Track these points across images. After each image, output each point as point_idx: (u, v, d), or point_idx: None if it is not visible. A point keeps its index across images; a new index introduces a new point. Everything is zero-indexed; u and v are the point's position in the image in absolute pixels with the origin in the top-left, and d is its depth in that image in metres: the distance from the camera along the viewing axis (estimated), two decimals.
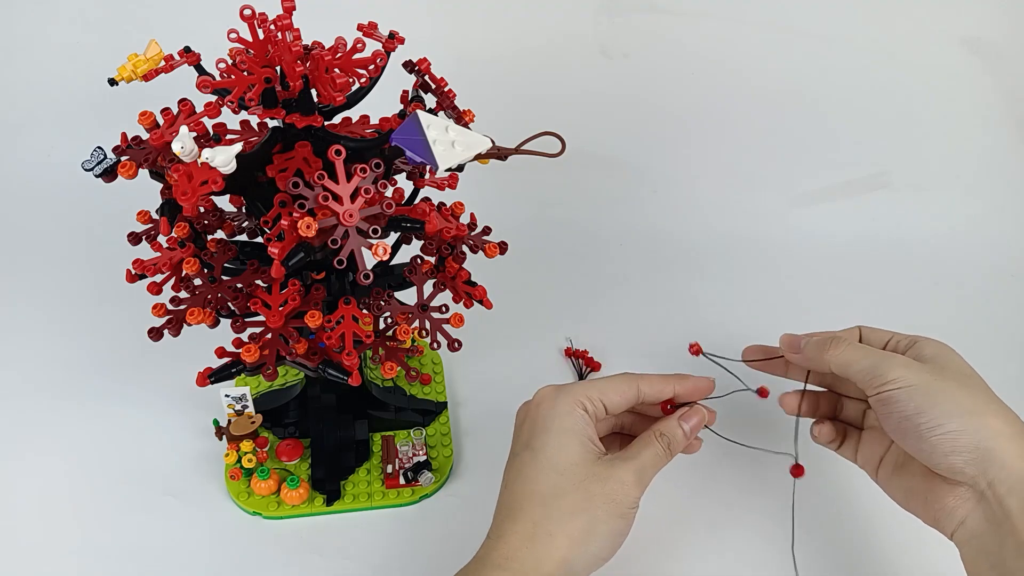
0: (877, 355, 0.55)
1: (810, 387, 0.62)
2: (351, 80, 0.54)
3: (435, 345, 0.63)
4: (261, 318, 0.55)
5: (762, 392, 0.63)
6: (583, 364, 0.79)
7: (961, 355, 0.56)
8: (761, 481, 0.68)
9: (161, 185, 0.58)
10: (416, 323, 0.62)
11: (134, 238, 0.60)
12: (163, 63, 0.53)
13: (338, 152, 0.47)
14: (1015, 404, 0.61)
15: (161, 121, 0.54)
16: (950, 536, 0.53)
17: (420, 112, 0.54)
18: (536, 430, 0.55)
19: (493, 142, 0.55)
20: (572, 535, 0.51)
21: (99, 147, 0.55)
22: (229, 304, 0.58)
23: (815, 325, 0.86)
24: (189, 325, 0.56)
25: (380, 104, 0.59)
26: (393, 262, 0.60)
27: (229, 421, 0.66)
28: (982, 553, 0.50)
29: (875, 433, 0.59)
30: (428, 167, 0.52)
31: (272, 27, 0.50)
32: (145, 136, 0.56)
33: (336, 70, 0.53)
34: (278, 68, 0.51)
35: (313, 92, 0.53)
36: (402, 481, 0.67)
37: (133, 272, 0.56)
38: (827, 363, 0.57)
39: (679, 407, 0.59)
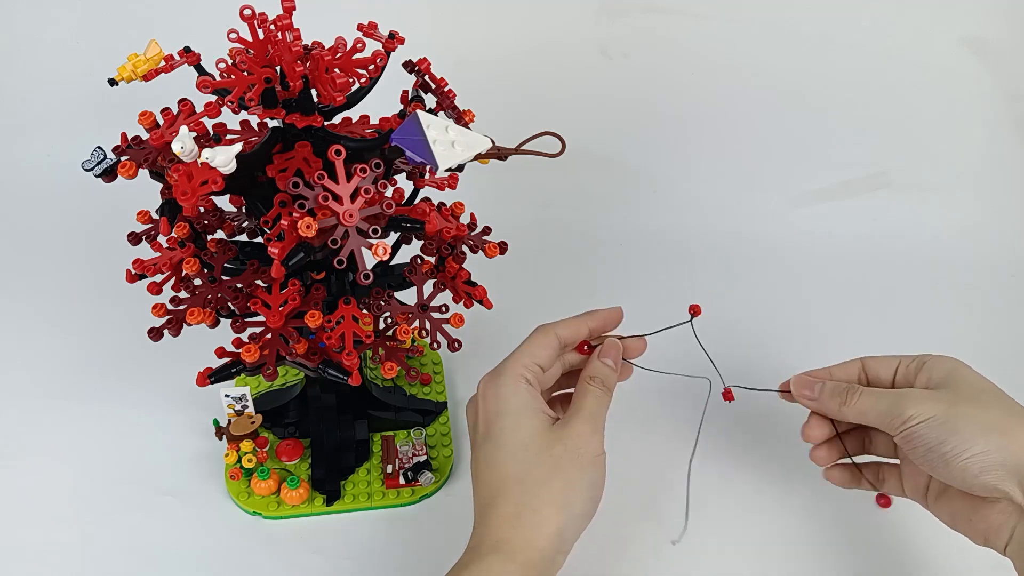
0: (890, 396, 0.56)
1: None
2: (351, 80, 0.54)
3: (435, 345, 0.63)
4: (261, 318, 0.55)
5: (726, 395, 0.63)
6: None
7: (969, 366, 0.57)
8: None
9: (161, 185, 0.58)
10: (416, 323, 0.62)
11: (134, 238, 0.60)
12: (163, 63, 0.53)
13: (338, 152, 0.47)
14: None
15: (161, 121, 0.54)
16: (1003, 552, 0.53)
17: (420, 112, 0.54)
18: (490, 418, 0.56)
19: (493, 142, 0.55)
20: (555, 502, 0.52)
21: (99, 147, 0.55)
22: (229, 304, 0.58)
23: (815, 325, 0.87)
24: (189, 325, 0.56)
25: (380, 104, 0.59)
26: (393, 262, 0.60)
27: (229, 421, 0.66)
28: None
29: (912, 464, 0.58)
30: (428, 167, 0.52)
31: (272, 27, 0.50)
32: (145, 136, 0.56)
33: (336, 70, 0.53)
34: (278, 68, 0.51)
35: (313, 92, 0.53)
36: (402, 481, 0.67)
37: (133, 272, 0.56)
38: (844, 415, 0.58)
39: (594, 347, 0.61)
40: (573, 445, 0.54)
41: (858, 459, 0.62)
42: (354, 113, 0.58)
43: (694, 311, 0.64)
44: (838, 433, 0.62)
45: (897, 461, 0.61)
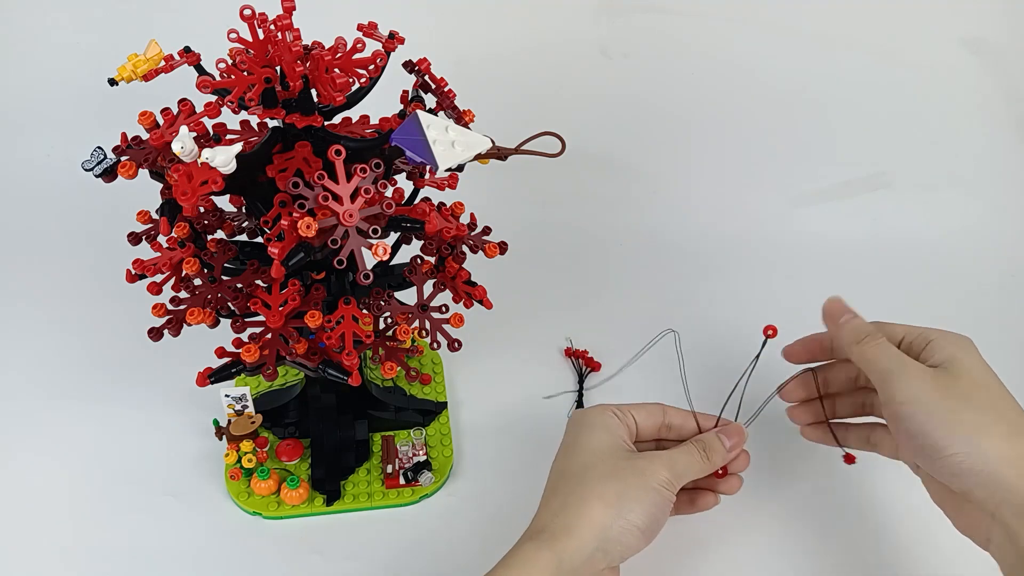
0: (894, 361, 0.55)
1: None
2: (351, 80, 0.54)
3: (435, 345, 0.63)
4: (261, 318, 0.55)
5: (848, 459, 0.64)
6: (583, 364, 0.78)
7: (975, 349, 0.56)
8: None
9: (161, 185, 0.58)
10: (416, 323, 0.62)
11: (134, 238, 0.60)
12: (163, 63, 0.53)
13: (338, 152, 0.47)
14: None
15: (161, 121, 0.54)
16: (985, 548, 0.52)
17: (420, 112, 0.54)
18: (570, 432, 0.58)
19: (493, 142, 0.55)
20: (604, 497, 0.52)
21: (99, 147, 0.55)
22: (229, 304, 0.58)
23: (815, 324, 0.86)
24: (189, 325, 0.56)
25: (380, 104, 0.59)
26: (393, 262, 0.60)
27: (229, 421, 0.66)
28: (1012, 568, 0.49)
29: None
30: (428, 167, 0.52)
31: (272, 27, 0.50)
32: (145, 136, 0.56)
33: (336, 70, 0.53)
34: (278, 68, 0.51)
35: (313, 92, 0.53)
36: (402, 481, 0.67)
37: (133, 272, 0.56)
38: (851, 353, 0.57)
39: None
40: (641, 466, 0.54)
41: (854, 420, 0.63)
42: (354, 113, 0.58)
43: (770, 333, 0.61)
44: (820, 397, 0.63)
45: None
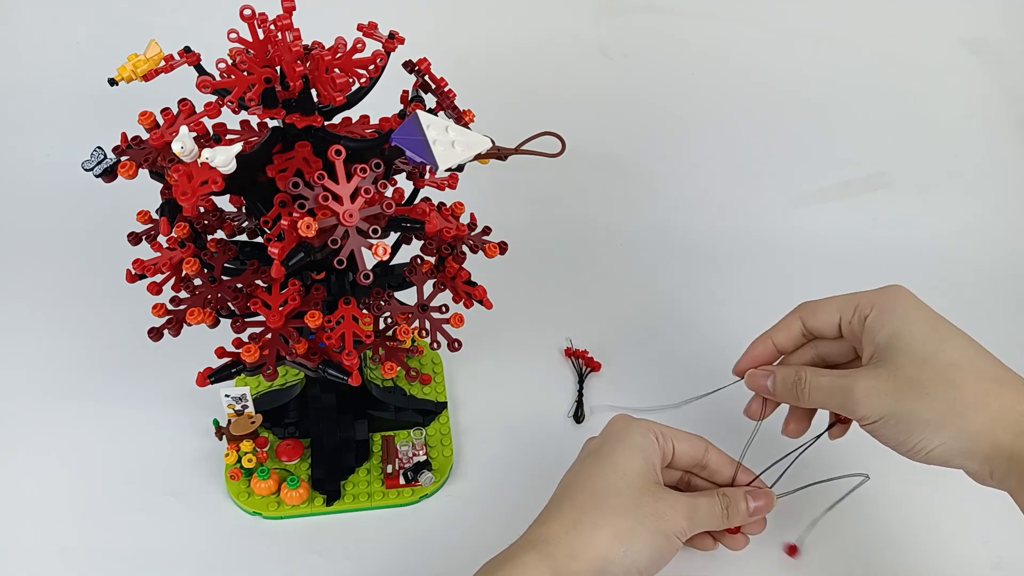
0: (839, 390, 0.54)
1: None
2: (351, 80, 0.54)
3: (435, 345, 0.63)
4: (261, 318, 0.55)
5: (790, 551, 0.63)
6: (583, 364, 0.78)
7: (906, 303, 0.54)
8: None
9: (161, 185, 0.58)
10: (416, 323, 0.62)
11: (134, 238, 0.60)
12: (163, 63, 0.53)
13: (338, 152, 0.47)
14: None
15: (161, 121, 0.54)
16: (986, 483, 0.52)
17: (420, 112, 0.54)
18: (607, 440, 0.57)
19: (493, 142, 0.55)
20: (618, 532, 0.51)
21: (99, 147, 0.55)
22: (229, 304, 0.58)
23: None
24: (189, 325, 0.56)
25: (380, 104, 0.59)
26: (393, 262, 0.60)
27: (229, 421, 0.66)
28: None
29: None
30: (428, 167, 0.52)
31: (272, 27, 0.50)
32: (145, 136, 0.56)
33: (336, 70, 0.53)
34: (278, 68, 0.51)
35: (313, 92, 0.53)
36: (402, 481, 0.67)
37: (133, 272, 0.56)
38: (804, 406, 0.58)
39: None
40: (661, 508, 0.53)
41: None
42: (354, 113, 0.58)
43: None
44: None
45: None
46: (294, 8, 0.51)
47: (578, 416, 0.74)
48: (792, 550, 0.63)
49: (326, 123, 0.57)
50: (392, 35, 0.58)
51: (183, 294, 0.58)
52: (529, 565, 0.50)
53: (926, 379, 0.51)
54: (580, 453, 0.59)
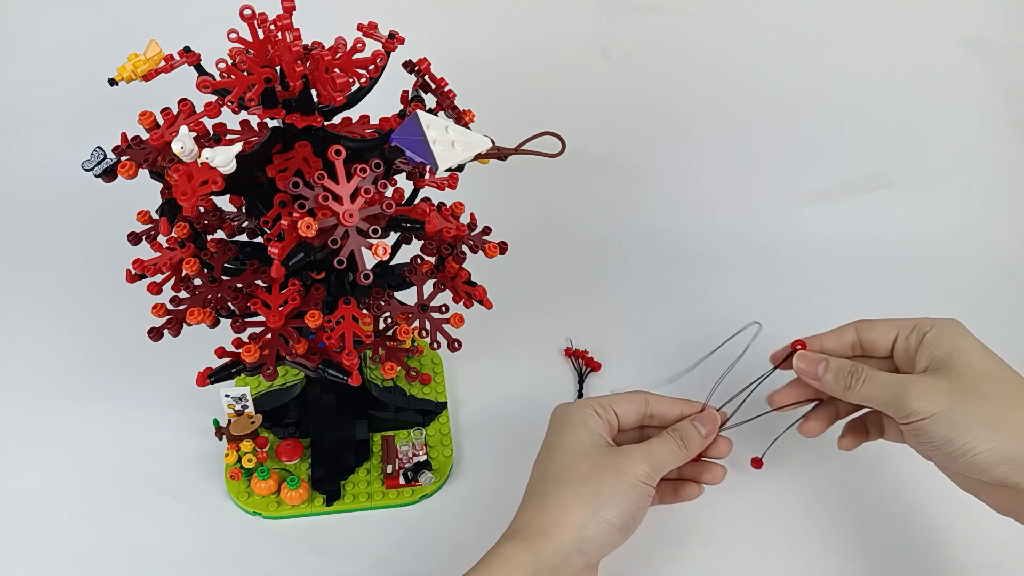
0: (895, 385, 0.54)
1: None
2: (351, 80, 0.54)
3: (435, 345, 0.63)
4: (261, 318, 0.55)
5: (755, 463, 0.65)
6: (583, 364, 0.78)
7: (968, 332, 0.56)
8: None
9: (161, 185, 0.58)
10: (416, 323, 0.62)
11: (134, 238, 0.60)
12: (163, 63, 0.53)
13: (338, 152, 0.47)
14: None
15: (161, 121, 0.54)
16: None
17: (420, 112, 0.54)
18: (552, 431, 0.59)
19: (493, 142, 0.55)
20: (580, 498, 0.53)
21: (99, 147, 0.55)
22: (229, 304, 0.58)
23: (814, 324, 0.86)
24: (189, 325, 0.56)
25: (380, 104, 0.59)
26: (393, 262, 0.60)
27: (229, 421, 0.66)
28: None
29: None
30: (428, 167, 0.52)
31: (272, 27, 0.50)
32: (145, 136, 0.56)
33: (336, 70, 0.53)
34: (278, 68, 0.51)
35: (313, 92, 0.53)
36: (402, 481, 0.67)
37: (133, 272, 0.56)
38: (848, 399, 0.57)
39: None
40: (618, 462, 0.54)
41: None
42: (354, 113, 0.58)
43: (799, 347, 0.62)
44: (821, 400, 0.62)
45: None
46: (294, 8, 0.51)
47: None
48: (757, 463, 0.65)
49: (326, 123, 0.57)
50: (392, 35, 0.58)
51: (183, 294, 0.58)
52: (508, 554, 0.51)
53: (985, 388, 0.52)
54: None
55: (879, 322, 0.60)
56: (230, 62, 0.51)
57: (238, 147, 0.49)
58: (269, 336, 0.55)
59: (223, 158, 0.47)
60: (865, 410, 0.62)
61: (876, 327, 0.60)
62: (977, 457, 0.51)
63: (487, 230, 0.65)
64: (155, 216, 0.61)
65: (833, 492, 0.68)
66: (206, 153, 0.47)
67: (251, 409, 0.66)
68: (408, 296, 0.63)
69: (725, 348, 0.66)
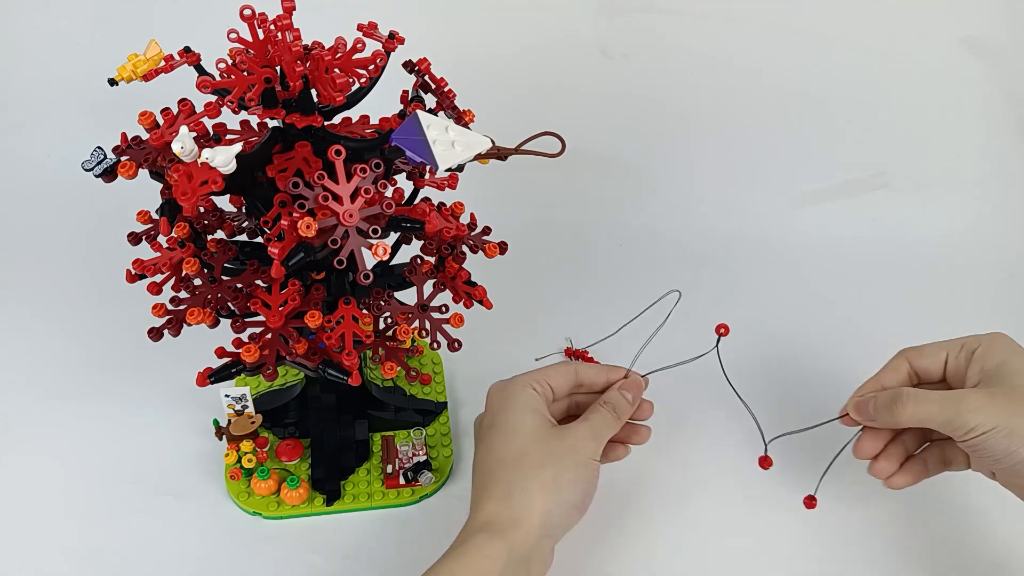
0: (949, 404, 0.54)
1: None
2: (351, 80, 0.54)
3: (435, 345, 0.63)
4: (261, 318, 0.55)
5: (763, 462, 0.65)
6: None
7: (1015, 343, 0.56)
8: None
9: (161, 185, 0.58)
10: (416, 323, 0.62)
11: (134, 238, 0.60)
12: (163, 63, 0.53)
13: (338, 152, 0.47)
14: None
15: (161, 121, 0.54)
16: None
17: (420, 112, 0.54)
18: (495, 412, 0.60)
19: (493, 142, 0.55)
20: (544, 485, 0.55)
21: (99, 147, 0.55)
22: (229, 304, 0.58)
23: (814, 324, 0.86)
24: (189, 325, 0.56)
25: (380, 104, 0.59)
26: (393, 262, 0.60)
27: (229, 421, 0.66)
28: None
29: None
30: (428, 167, 0.52)
31: (272, 27, 0.50)
32: (145, 136, 0.56)
33: (336, 70, 0.53)
34: (278, 68, 0.51)
35: (313, 92, 0.53)
36: (402, 481, 0.67)
37: (133, 272, 0.56)
38: (902, 423, 0.57)
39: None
40: (571, 444, 0.57)
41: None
42: (354, 113, 0.58)
43: (722, 331, 0.64)
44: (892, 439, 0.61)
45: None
46: (294, 8, 0.51)
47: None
48: (810, 501, 0.64)
49: (326, 123, 0.57)
50: (392, 35, 0.58)
51: (183, 294, 0.58)
52: (483, 545, 0.52)
53: (1020, 391, 0.52)
54: (477, 433, 0.61)
55: (926, 347, 0.59)
56: (230, 62, 0.51)
57: (238, 147, 0.49)
58: (269, 336, 0.55)
59: (223, 158, 0.47)
60: (926, 445, 0.61)
61: (924, 352, 0.59)
62: None
63: (487, 230, 0.65)
64: (155, 216, 0.61)
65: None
66: (206, 153, 0.47)
67: (251, 409, 0.66)
68: (408, 296, 0.63)
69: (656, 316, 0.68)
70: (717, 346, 0.63)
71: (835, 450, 0.62)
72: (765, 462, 0.65)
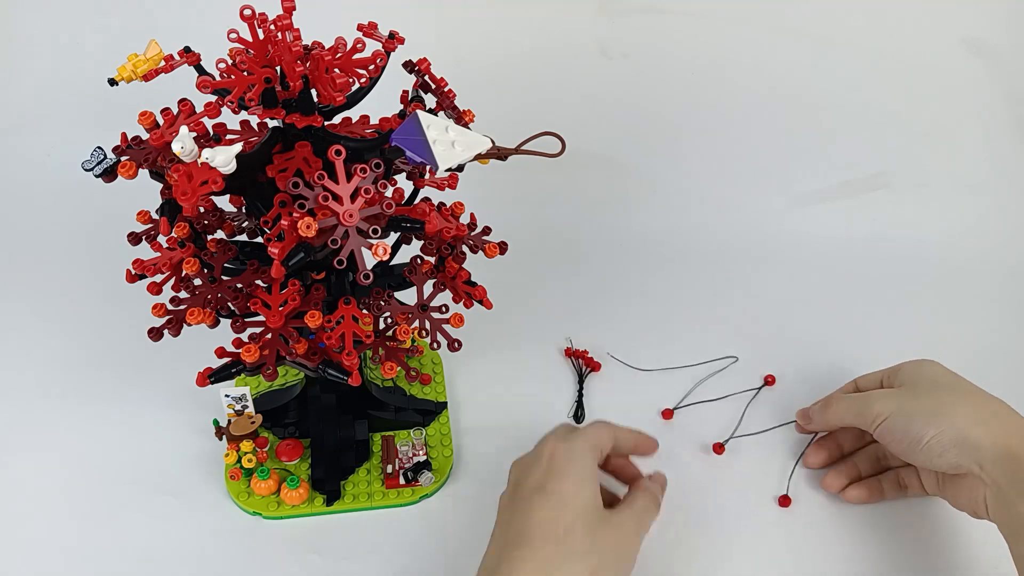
0: (859, 401, 0.65)
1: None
2: (351, 80, 0.54)
3: (435, 345, 0.63)
4: (261, 318, 0.55)
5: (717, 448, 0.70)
6: (583, 364, 0.79)
7: (938, 364, 0.65)
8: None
9: (161, 185, 0.58)
10: (416, 323, 0.62)
11: (134, 238, 0.60)
12: (163, 63, 0.53)
13: (338, 152, 0.47)
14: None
15: (161, 121, 0.54)
16: (984, 517, 0.58)
17: (420, 112, 0.54)
18: (555, 472, 0.56)
19: (493, 142, 0.55)
20: (586, 571, 0.52)
21: (99, 147, 0.55)
22: (229, 304, 0.58)
23: (813, 324, 0.86)
24: (189, 325, 0.56)
25: (380, 104, 0.59)
26: (393, 262, 0.60)
27: (229, 421, 0.66)
28: (1005, 524, 0.56)
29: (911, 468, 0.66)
30: (428, 167, 0.52)
31: (272, 27, 0.50)
32: (145, 136, 0.56)
33: (336, 70, 0.53)
34: (278, 68, 0.51)
35: (313, 92, 0.53)
36: (402, 481, 0.67)
37: (133, 272, 0.56)
38: (830, 422, 0.67)
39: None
40: (615, 538, 0.55)
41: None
42: (354, 113, 0.58)
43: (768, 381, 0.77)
44: (845, 455, 0.70)
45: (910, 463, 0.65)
46: (294, 8, 0.51)
47: (578, 416, 0.74)
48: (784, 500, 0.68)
49: (326, 123, 0.57)
50: (392, 35, 0.58)
51: (183, 294, 0.58)
52: None
53: (933, 389, 0.63)
54: (520, 485, 0.57)
55: (873, 372, 0.69)
56: (230, 62, 0.51)
57: (238, 147, 0.49)
58: (269, 336, 0.55)
59: (223, 158, 0.47)
60: (887, 473, 0.68)
61: (869, 376, 0.69)
62: (931, 443, 0.58)
63: (487, 230, 0.65)
64: (155, 216, 0.61)
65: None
66: (206, 153, 0.47)
67: (251, 409, 0.66)
68: (408, 296, 0.63)
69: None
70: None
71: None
72: (719, 448, 0.71)
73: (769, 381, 0.77)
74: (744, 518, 0.67)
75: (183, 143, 0.47)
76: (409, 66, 0.60)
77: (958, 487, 0.60)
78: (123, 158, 0.54)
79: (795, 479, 0.69)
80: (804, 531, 0.66)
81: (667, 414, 0.74)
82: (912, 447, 0.60)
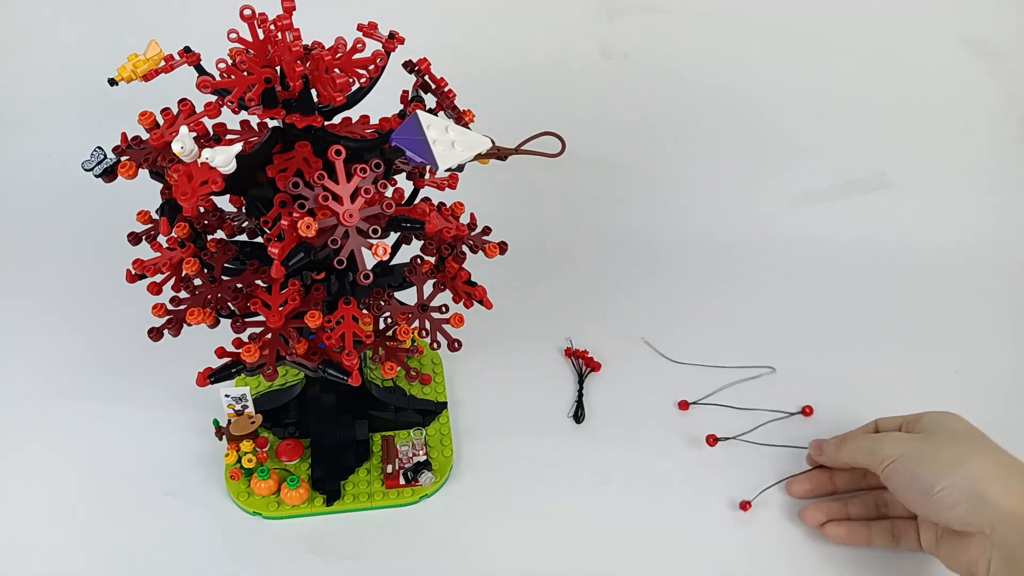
0: (872, 440, 0.63)
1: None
2: (351, 80, 0.54)
3: (435, 345, 0.63)
4: (261, 318, 0.55)
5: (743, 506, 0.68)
6: (583, 364, 0.78)
7: (960, 417, 0.62)
8: None
9: (161, 185, 0.58)
10: (416, 323, 0.62)
11: (134, 238, 0.60)
12: (163, 63, 0.53)
13: (338, 152, 0.47)
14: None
15: (161, 121, 0.54)
16: None
17: (420, 112, 0.54)
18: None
19: (493, 142, 0.55)
20: None
21: (99, 147, 0.55)
22: (229, 304, 0.58)
23: (813, 324, 0.86)
24: (189, 325, 0.56)
25: (380, 104, 0.59)
26: (393, 262, 0.60)
27: (229, 421, 0.66)
28: None
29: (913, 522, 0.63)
30: (428, 167, 0.52)
31: (272, 27, 0.50)
32: (145, 136, 0.56)
33: (336, 70, 0.53)
34: (278, 68, 0.51)
35: (313, 92, 0.53)
36: (402, 481, 0.67)
37: (133, 272, 0.56)
38: (842, 459, 0.65)
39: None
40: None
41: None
42: (354, 113, 0.58)
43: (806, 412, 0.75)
44: (834, 493, 0.68)
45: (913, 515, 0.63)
46: (294, 8, 0.51)
47: (578, 416, 0.74)
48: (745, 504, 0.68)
49: (326, 123, 0.57)
50: (392, 35, 0.58)
51: (183, 294, 0.58)
52: None
53: (948, 439, 0.60)
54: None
55: (894, 416, 0.66)
56: (230, 62, 0.51)
57: (238, 147, 0.49)
58: (269, 336, 0.55)
59: (223, 158, 0.47)
60: (881, 521, 0.65)
61: (890, 420, 0.66)
62: (940, 495, 0.56)
63: (487, 230, 0.65)
64: (155, 216, 0.61)
65: None
66: (206, 153, 0.47)
67: (251, 409, 0.66)
68: (408, 296, 0.63)
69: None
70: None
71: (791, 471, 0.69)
72: (712, 440, 0.71)
73: (807, 412, 0.75)
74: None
75: (183, 143, 0.47)
76: (409, 66, 0.60)
77: (959, 546, 0.57)
78: (123, 158, 0.54)
79: (767, 494, 0.68)
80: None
81: (683, 405, 0.74)
82: (920, 495, 0.57)
